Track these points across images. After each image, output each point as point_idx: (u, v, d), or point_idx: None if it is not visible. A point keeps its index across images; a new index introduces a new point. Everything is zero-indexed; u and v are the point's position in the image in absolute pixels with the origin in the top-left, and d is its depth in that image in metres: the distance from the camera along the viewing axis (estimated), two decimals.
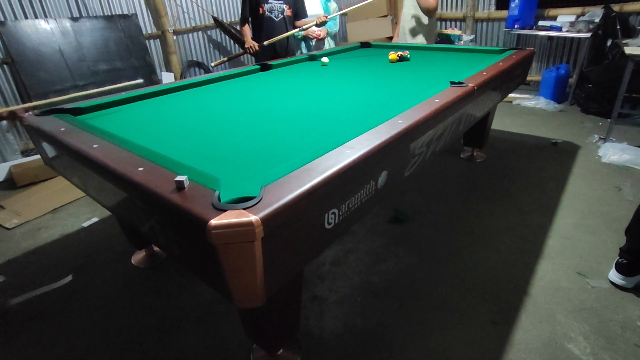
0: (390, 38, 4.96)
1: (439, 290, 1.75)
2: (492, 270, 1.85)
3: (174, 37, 4.45)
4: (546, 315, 1.59)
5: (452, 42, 4.62)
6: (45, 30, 3.36)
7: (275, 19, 3.13)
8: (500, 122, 3.76)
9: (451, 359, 1.43)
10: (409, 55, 2.63)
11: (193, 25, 4.65)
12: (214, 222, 0.76)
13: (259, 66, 2.53)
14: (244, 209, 0.80)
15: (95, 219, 2.51)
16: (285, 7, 3.15)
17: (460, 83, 1.77)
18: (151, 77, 4.07)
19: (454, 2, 5.00)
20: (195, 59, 4.80)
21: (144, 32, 4.16)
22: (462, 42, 4.70)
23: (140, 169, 1.01)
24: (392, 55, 2.60)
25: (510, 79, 2.40)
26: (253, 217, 0.76)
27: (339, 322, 1.61)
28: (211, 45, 4.95)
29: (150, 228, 1.09)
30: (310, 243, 1.00)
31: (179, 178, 0.90)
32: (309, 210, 0.92)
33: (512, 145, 3.29)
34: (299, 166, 0.98)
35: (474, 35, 4.92)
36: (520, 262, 1.90)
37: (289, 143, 1.27)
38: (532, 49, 2.67)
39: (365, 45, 3.34)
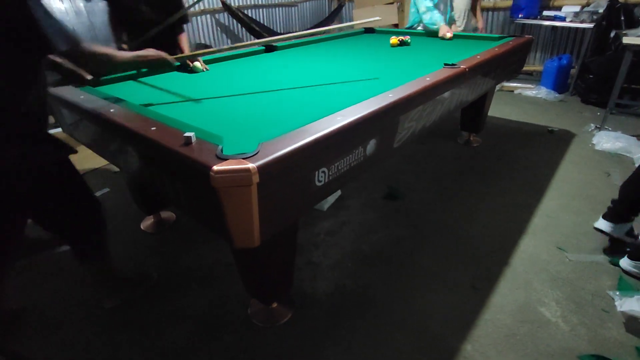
0: (396, 25, 5.00)
1: (425, 258, 1.88)
2: (477, 243, 1.97)
3: None
4: (523, 283, 1.71)
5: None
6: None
7: None
8: (500, 110, 3.83)
9: (432, 317, 1.56)
10: (409, 40, 2.71)
11: (202, 8, 4.73)
12: (216, 167, 0.88)
13: (263, 47, 2.63)
14: (243, 159, 0.92)
15: (106, 190, 2.66)
16: None
17: (453, 65, 1.86)
18: None
19: None
20: (203, 42, 4.89)
21: None
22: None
23: (153, 128, 1.14)
24: (394, 39, 2.68)
25: (505, 64, 2.47)
26: (250, 165, 0.89)
27: (330, 283, 1.75)
28: (219, 29, 5.04)
29: (161, 182, 1.22)
30: (302, 196, 1.12)
31: (187, 134, 1.02)
32: (300, 165, 1.05)
33: (509, 131, 3.37)
34: (293, 128, 1.10)
35: None
36: (504, 237, 2.01)
37: (286, 111, 1.40)
38: (529, 36, 2.73)
39: (369, 31, 3.42)
